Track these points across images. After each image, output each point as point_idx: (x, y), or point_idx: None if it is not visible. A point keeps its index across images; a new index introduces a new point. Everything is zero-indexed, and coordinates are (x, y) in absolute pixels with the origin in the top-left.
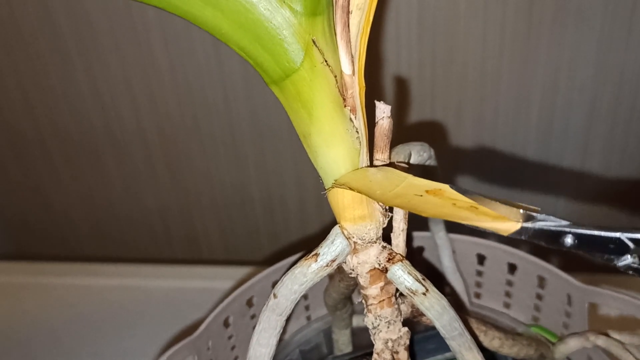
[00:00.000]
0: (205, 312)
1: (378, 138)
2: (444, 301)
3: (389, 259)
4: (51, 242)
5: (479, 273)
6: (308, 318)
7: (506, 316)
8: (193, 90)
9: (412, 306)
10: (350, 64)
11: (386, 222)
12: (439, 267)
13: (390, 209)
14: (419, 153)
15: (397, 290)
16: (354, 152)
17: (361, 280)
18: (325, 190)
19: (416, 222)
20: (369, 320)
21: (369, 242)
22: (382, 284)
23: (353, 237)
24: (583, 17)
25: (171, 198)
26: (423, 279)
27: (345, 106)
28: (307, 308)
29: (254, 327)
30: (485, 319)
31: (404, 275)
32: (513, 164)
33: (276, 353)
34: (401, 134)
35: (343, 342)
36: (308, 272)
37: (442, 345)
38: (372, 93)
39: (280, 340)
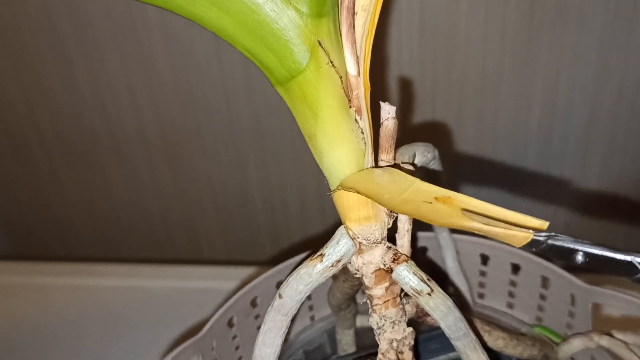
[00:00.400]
0: (206, 312)
1: (383, 139)
2: (449, 302)
3: (394, 260)
4: (52, 243)
5: (483, 273)
6: (312, 318)
7: (509, 316)
8: (194, 91)
9: (417, 306)
10: (355, 65)
11: (391, 222)
12: (443, 267)
13: None
14: (423, 154)
15: (401, 290)
16: (359, 153)
17: (366, 281)
18: (330, 191)
19: (420, 222)
20: (373, 321)
21: (374, 243)
22: (387, 284)
23: (358, 238)
24: (584, 18)
25: (172, 199)
26: (428, 280)
27: (350, 107)
28: (311, 308)
29: (258, 327)
30: (488, 319)
31: (409, 276)
32: (514, 165)
33: (280, 353)
34: (402, 134)
35: (347, 343)
36: (313, 272)
37: (446, 345)
38: (374, 94)
39: (285, 340)
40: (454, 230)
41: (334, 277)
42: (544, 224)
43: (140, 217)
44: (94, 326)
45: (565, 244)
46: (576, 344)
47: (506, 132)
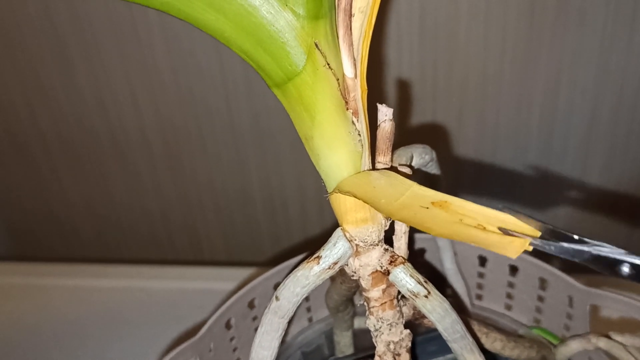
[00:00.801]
0: (206, 313)
1: (380, 141)
2: (446, 304)
3: (391, 262)
4: (53, 244)
5: (480, 275)
6: (310, 320)
7: (507, 318)
8: (194, 92)
9: (414, 308)
10: (352, 67)
11: (388, 224)
12: (441, 268)
13: None
14: (420, 155)
15: (399, 292)
16: (356, 155)
17: (363, 283)
18: (327, 193)
19: None
20: (370, 323)
21: (371, 245)
22: (384, 286)
23: (355, 240)
24: (585, 19)
25: (173, 200)
26: (425, 282)
27: (347, 109)
28: (308, 310)
29: (255, 329)
30: (486, 321)
31: (406, 278)
32: (515, 166)
33: (277, 355)
34: (402, 136)
35: (345, 344)
36: (310, 274)
37: (443, 347)
38: (373, 96)
39: (282, 342)
40: None
41: (332, 279)
42: (536, 233)
43: (141, 218)
44: (94, 327)
45: (611, 255)
46: (574, 346)
47: (507, 134)
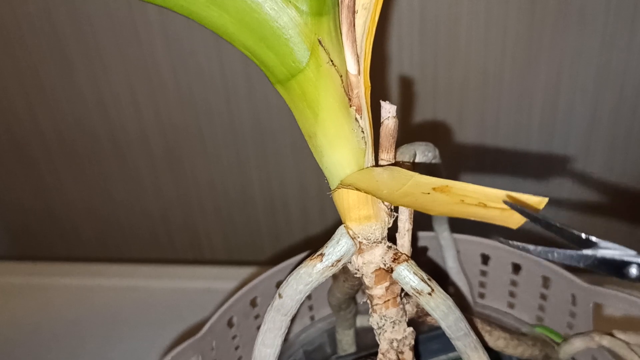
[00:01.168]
0: (207, 312)
1: (383, 138)
2: (449, 301)
3: (395, 259)
4: (53, 244)
5: (483, 273)
6: (312, 318)
7: (510, 316)
8: (195, 93)
9: (417, 306)
10: (355, 64)
11: (391, 222)
12: (443, 267)
13: (396, 209)
14: (423, 153)
15: (402, 290)
16: (360, 152)
17: (366, 281)
18: (331, 190)
19: (420, 222)
20: (374, 321)
21: (374, 242)
22: (387, 284)
23: (358, 237)
24: (585, 19)
25: (173, 200)
26: (429, 279)
27: (350, 106)
28: (310, 308)
29: (257, 327)
30: (489, 319)
31: (409, 275)
32: (515, 165)
33: (280, 353)
34: (403, 134)
35: (347, 343)
36: (313, 272)
37: (446, 346)
38: (375, 93)
39: (284, 340)
40: (454, 230)
41: (334, 277)
42: (542, 201)
43: (141, 218)
44: (95, 326)
45: (618, 257)
46: (577, 344)
47: (507, 133)
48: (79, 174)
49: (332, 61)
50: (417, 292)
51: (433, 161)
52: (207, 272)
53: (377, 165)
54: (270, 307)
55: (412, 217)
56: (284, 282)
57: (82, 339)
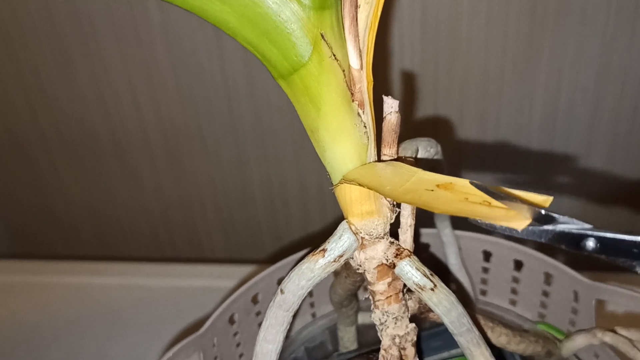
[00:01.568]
0: (207, 310)
1: (386, 133)
2: (452, 297)
3: (397, 255)
4: (53, 243)
5: (485, 270)
6: (313, 315)
7: (512, 313)
8: (195, 91)
9: (420, 302)
10: (358, 58)
11: (394, 217)
12: (445, 264)
13: (398, 205)
14: (426, 149)
15: (404, 286)
16: (362, 147)
17: (368, 276)
18: (333, 185)
19: (422, 219)
20: (376, 317)
21: (377, 238)
22: (389, 279)
23: (360, 233)
24: (586, 17)
25: (173, 198)
26: (431, 275)
27: (353, 101)
28: (312, 305)
29: (259, 324)
30: (491, 316)
31: (412, 271)
32: (516, 164)
33: (281, 350)
34: (404, 130)
35: (348, 340)
36: (315, 267)
37: (448, 342)
38: (377, 89)
39: (286, 337)
40: (456, 227)
41: (336, 273)
42: (547, 200)
43: (141, 217)
44: (95, 324)
45: (575, 230)
46: (580, 341)
47: (508, 131)
48: (79, 173)
49: (334, 55)
50: (419, 288)
51: (435, 157)
52: (207, 271)
53: (379, 160)
54: (272, 303)
55: (414, 212)
56: (286, 278)
57: (82, 338)
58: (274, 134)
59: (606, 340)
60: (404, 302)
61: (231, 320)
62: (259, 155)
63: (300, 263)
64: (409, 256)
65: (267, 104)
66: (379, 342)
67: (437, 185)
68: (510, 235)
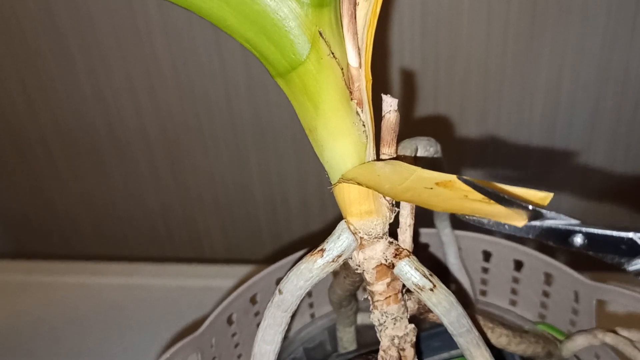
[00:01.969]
0: (206, 310)
1: (385, 132)
2: (451, 297)
3: (396, 255)
4: (53, 241)
5: (485, 270)
6: (312, 315)
7: (512, 314)
8: (195, 89)
9: (419, 302)
10: (357, 57)
11: (393, 217)
12: (445, 264)
13: (397, 204)
14: (425, 148)
15: (403, 286)
16: (361, 146)
17: (367, 277)
18: (331, 185)
19: (421, 218)
20: (375, 317)
21: (376, 238)
22: (388, 280)
23: (359, 233)
24: (587, 15)
25: (173, 197)
26: (430, 275)
27: (351, 99)
28: (311, 305)
29: (257, 325)
30: (491, 316)
31: (411, 271)
32: (516, 162)
33: (280, 351)
34: (404, 129)
35: (347, 340)
36: (314, 267)
37: (448, 343)
38: (375, 87)
39: (284, 337)
40: (456, 227)
41: (335, 273)
42: (547, 197)
43: (141, 215)
44: (95, 324)
45: (563, 226)
46: (580, 341)
47: (509, 129)
48: (79, 170)
49: (333, 53)
50: (418, 288)
51: (435, 156)
52: (206, 271)
53: (378, 159)
54: (270, 304)
55: (413, 212)
56: (284, 278)
57: (81, 337)
58: (274, 131)
59: (607, 341)
60: (403, 302)
61: (229, 321)
62: (259, 152)
63: (299, 263)
64: (408, 256)
65: (267, 101)
66: (378, 342)
67: (437, 183)
68: (509, 234)
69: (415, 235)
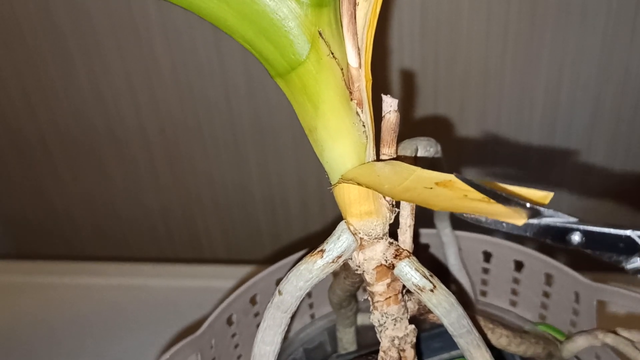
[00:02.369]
0: (206, 311)
1: (385, 132)
2: (452, 298)
3: (396, 255)
4: (52, 242)
5: (485, 270)
6: (312, 316)
7: (513, 314)
8: (194, 89)
9: (419, 303)
10: (356, 57)
11: (393, 217)
12: (445, 264)
13: (397, 205)
14: (425, 148)
15: (403, 287)
16: (361, 147)
17: (367, 277)
18: (331, 185)
19: (421, 219)
20: (375, 318)
21: (376, 238)
22: (388, 280)
23: (359, 233)
24: (587, 16)
25: (173, 197)
26: (431, 276)
27: (351, 99)
28: (311, 306)
29: (257, 325)
30: (492, 317)
31: (411, 272)
32: (516, 162)
33: (280, 352)
34: (404, 129)
35: (347, 341)
36: (314, 268)
37: (448, 344)
38: (375, 87)
39: (284, 338)
40: (456, 227)
41: (335, 274)
42: (547, 196)
43: (141, 215)
44: (94, 324)
45: (561, 224)
46: (581, 342)
47: (509, 129)
48: (78, 170)
49: (332, 54)
50: (419, 289)
51: (435, 156)
52: (206, 271)
53: (378, 159)
54: (270, 304)
55: (413, 212)
56: (284, 279)
57: (81, 337)
58: (273, 131)
59: (607, 342)
60: (403, 303)
61: (229, 322)
62: (258, 153)
63: (299, 264)
64: (408, 257)
65: (266, 101)
66: (379, 343)
67: (436, 183)
68: (508, 234)
69: (416, 236)
